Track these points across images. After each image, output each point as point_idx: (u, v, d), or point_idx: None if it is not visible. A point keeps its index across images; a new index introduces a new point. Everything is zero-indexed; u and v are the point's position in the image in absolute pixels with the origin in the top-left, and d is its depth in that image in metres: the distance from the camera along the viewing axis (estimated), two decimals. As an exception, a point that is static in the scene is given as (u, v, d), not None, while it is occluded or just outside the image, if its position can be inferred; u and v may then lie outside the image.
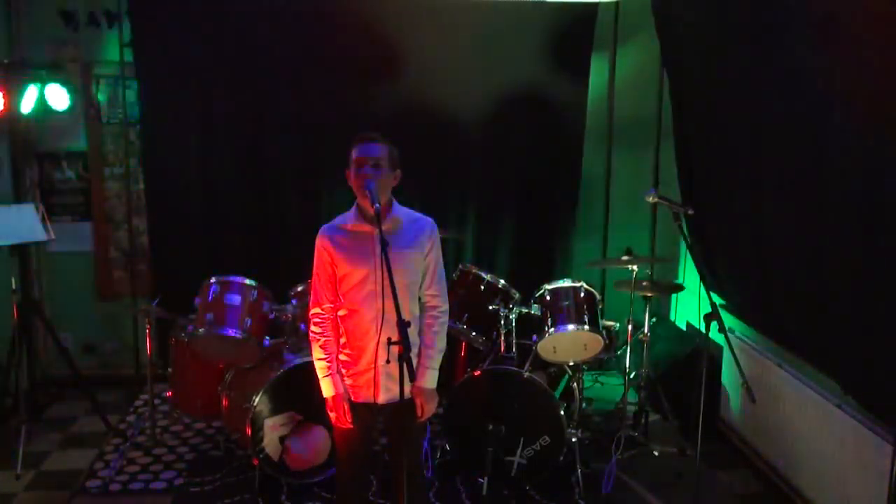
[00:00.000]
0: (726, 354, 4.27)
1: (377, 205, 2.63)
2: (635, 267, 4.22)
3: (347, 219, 2.82)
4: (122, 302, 5.23)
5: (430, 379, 2.87)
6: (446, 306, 2.94)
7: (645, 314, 4.34)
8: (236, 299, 3.85)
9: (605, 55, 5.30)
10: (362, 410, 2.88)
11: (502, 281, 4.18)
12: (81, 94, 5.06)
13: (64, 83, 4.64)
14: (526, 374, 3.82)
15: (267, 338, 3.91)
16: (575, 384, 4.18)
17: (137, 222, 5.22)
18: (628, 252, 4.28)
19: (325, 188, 5.04)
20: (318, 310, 2.88)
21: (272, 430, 3.76)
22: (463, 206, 5.23)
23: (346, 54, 4.92)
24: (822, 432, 3.49)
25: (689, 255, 3.57)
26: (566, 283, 4.07)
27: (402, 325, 2.48)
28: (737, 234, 4.09)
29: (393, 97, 4.94)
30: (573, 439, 3.94)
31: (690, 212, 3.93)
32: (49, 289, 5.25)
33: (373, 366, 2.77)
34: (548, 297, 4.03)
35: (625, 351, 4.41)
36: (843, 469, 3.34)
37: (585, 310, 3.95)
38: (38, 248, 5.08)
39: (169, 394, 4.31)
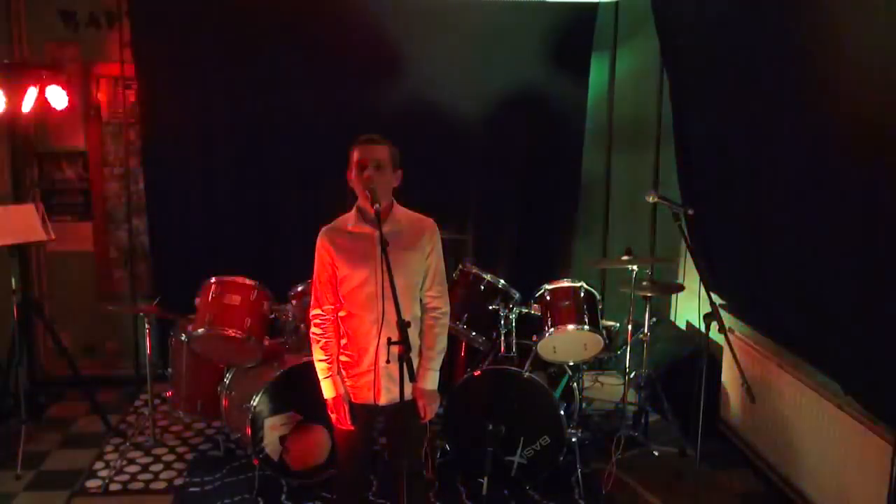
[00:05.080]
0: (726, 354, 4.27)
1: (377, 205, 2.63)
2: (635, 267, 4.22)
3: (348, 220, 2.82)
4: (122, 302, 5.23)
5: (431, 380, 2.87)
6: (447, 307, 2.93)
7: (645, 314, 4.34)
8: (236, 299, 3.86)
9: (605, 55, 5.29)
10: (363, 411, 2.88)
11: (502, 281, 4.17)
12: (81, 94, 5.06)
13: (64, 83, 4.64)
14: (526, 374, 3.82)
15: (267, 338, 3.91)
16: (575, 384, 4.18)
17: (137, 222, 5.22)
18: (628, 252, 4.28)
19: (325, 188, 5.03)
20: (318, 311, 2.88)
21: (272, 430, 3.76)
22: (463, 206, 5.23)
23: (347, 54, 4.92)
24: (822, 432, 3.48)
25: (689, 255, 3.57)
26: (566, 283, 4.08)
27: (402, 325, 2.48)
28: (737, 234, 4.08)
29: (393, 97, 4.93)
30: (573, 439, 3.94)
31: (690, 212, 3.92)
32: (49, 289, 5.24)
33: (374, 367, 2.77)
34: (548, 297, 4.03)
35: (625, 351, 4.41)
36: (843, 469, 3.34)
37: (585, 310, 3.95)
38: (38, 248, 5.08)
39: (169, 394, 4.31)
